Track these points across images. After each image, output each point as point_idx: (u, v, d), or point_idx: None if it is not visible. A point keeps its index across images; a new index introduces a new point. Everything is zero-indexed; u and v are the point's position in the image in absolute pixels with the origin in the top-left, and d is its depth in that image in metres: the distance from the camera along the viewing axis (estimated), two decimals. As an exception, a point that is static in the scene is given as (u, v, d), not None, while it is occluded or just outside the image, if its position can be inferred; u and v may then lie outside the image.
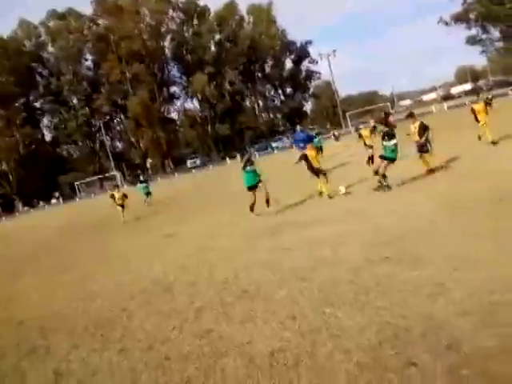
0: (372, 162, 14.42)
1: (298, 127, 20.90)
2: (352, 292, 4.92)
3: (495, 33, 69.73)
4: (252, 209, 11.39)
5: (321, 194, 11.94)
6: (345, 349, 3.77)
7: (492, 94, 25.59)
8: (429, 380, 3.11)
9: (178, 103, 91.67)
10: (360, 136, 15.99)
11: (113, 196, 18.21)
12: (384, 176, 10.71)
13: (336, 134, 37.00)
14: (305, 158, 11.53)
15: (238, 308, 5.30)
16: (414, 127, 11.55)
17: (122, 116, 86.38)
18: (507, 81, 64.29)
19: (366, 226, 7.73)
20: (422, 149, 11.33)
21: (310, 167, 11.57)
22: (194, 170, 60.53)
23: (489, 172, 9.69)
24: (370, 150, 15.15)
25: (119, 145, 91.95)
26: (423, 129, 11.35)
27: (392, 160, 10.65)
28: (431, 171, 11.31)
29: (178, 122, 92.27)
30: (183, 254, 9.12)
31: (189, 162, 74.06)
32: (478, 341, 3.41)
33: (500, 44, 71.72)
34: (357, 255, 6.16)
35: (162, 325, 5.38)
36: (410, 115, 11.95)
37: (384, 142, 10.74)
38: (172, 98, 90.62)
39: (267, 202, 11.33)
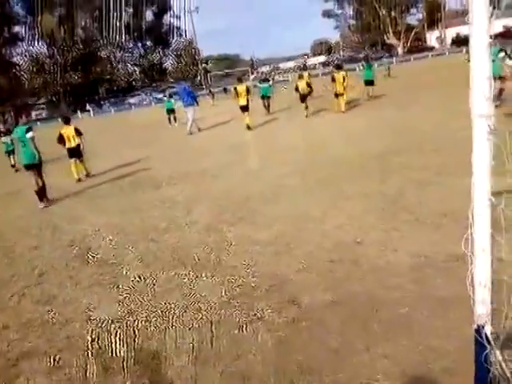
0: None
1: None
2: (204, 253, 5.02)
3: (350, 10, 74.95)
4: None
5: None
6: (196, 308, 3.85)
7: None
8: (273, 331, 3.33)
9: (23, 46, 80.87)
10: None
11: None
12: None
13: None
14: None
15: (84, 273, 5.05)
16: None
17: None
18: (356, 57, 69.71)
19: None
20: None
21: None
22: (38, 123, 52.94)
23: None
24: None
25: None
26: None
27: None
28: None
29: (24, 67, 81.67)
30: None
31: (34, 114, 67.14)
32: (316, 295, 3.74)
33: (352, 21, 77.29)
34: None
35: None
36: None
37: None
38: (15, 39, 79.48)
39: None
